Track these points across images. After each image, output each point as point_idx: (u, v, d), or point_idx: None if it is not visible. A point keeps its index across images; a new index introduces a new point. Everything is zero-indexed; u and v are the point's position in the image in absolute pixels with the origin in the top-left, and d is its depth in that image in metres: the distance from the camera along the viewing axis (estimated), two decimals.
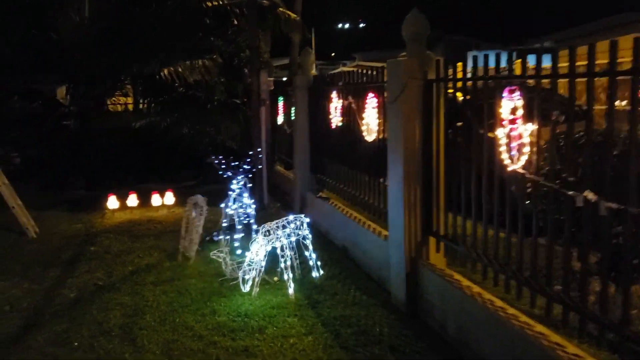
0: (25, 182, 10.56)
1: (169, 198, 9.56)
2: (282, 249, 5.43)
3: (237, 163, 7.06)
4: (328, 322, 4.87)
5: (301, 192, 8.70)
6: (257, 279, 5.37)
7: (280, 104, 10.67)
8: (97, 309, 5.27)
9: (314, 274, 5.82)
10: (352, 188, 6.97)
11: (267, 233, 5.40)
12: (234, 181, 6.82)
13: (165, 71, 12.32)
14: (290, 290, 5.39)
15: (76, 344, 4.60)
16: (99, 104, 12.68)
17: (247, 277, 5.33)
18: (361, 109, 6.33)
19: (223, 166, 7.03)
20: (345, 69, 27.26)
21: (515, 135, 3.70)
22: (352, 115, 6.77)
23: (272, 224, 5.45)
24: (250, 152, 12.11)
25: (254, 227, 6.92)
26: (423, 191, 4.93)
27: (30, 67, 11.57)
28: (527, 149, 3.67)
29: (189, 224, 6.62)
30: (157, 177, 12.56)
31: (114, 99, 13.40)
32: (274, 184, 10.99)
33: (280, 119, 10.82)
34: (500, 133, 3.87)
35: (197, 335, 4.67)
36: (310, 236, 5.79)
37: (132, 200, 9.52)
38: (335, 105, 7.26)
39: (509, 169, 3.81)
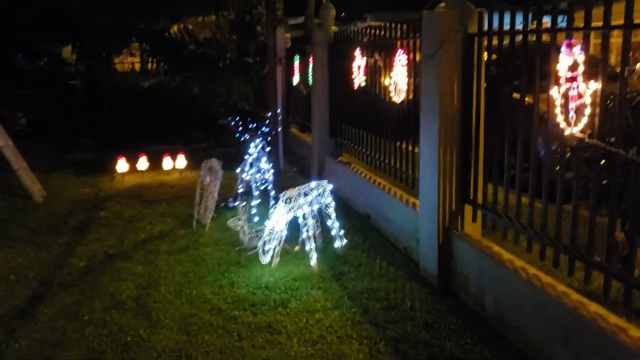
0: (31, 144, 10.23)
1: (181, 161, 9.20)
2: (304, 218, 5.08)
3: (255, 125, 6.64)
4: (354, 295, 4.54)
5: (319, 157, 8.31)
6: (277, 249, 5.03)
7: (296, 63, 10.19)
8: (108, 279, 4.96)
9: (337, 243, 5.48)
10: (377, 152, 6.57)
11: (288, 200, 5.03)
12: (252, 145, 6.41)
13: (175, 28, 11.86)
14: (313, 261, 5.05)
15: (87, 317, 4.30)
16: (107, 63, 12.24)
17: (267, 247, 4.99)
18: (389, 67, 5.88)
19: (240, 128, 6.59)
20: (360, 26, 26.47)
21: (573, 95, 3.27)
22: (378, 74, 6.32)
23: (293, 191, 5.08)
24: (265, 114, 11.69)
25: (272, 193, 6.56)
26: (460, 156, 4.53)
27: (35, 24, 11.12)
28: (588, 110, 3.24)
29: (204, 190, 6.27)
30: (167, 139, 12.18)
31: (121, 57, 12.93)
32: (289, 148, 10.59)
33: (295, 79, 10.34)
34: (555, 93, 3.44)
35: (215, 309, 4.36)
36: (333, 204, 5.42)
37: (143, 163, 9.17)
38: (359, 63, 6.80)
39: (566, 132, 3.39)
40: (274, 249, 5.01)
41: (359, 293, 4.58)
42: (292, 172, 9.19)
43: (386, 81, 5.93)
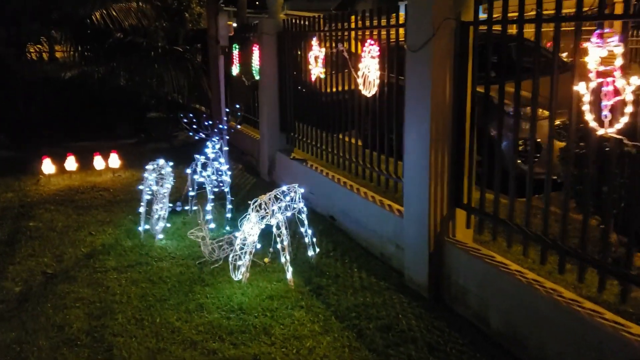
0: None
1: (114, 160, 8.37)
2: (277, 227, 4.56)
3: (210, 122, 6.01)
4: (342, 314, 4.09)
5: (270, 153, 7.77)
6: (248, 264, 4.49)
7: (235, 52, 9.54)
8: (52, 307, 4.25)
9: (310, 252, 5.00)
10: (340, 150, 6.13)
11: (259, 208, 4.50)
12: (208, 143, 5.78)
13: (97, 14, 10.86)
14: (289, 275, 4.55)
15: None
16: (22, 51, 11.05)
17: (239, 263, 4.43)
18: (356, 59, 5.43)
19: (194, 126, 5.95)
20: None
21: (608, 91, 2.94)
22: (342, 66, 5.86)
23: (264, 197, 4.55)
24: (201, 107, 10.98)
25: (229, 196, 5.97)
26: (452, 157, 4.16)
27: None
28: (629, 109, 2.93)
29: (155, 197, 5.59)
30: (92, 134, 11.23)
31: (39, 46, 11.74)
32: (230, 142, 9.94)
33: (235, 69, 9.69)
34: (582, 88, 3.11)
35: (187, 340, 3.78)
36: (305, 209, 4.93)
37: (71, 163, 8.26)
38: (317, 54, 6.30)
39: (599, 132, 3.07)
40: (245, 262, 4.47)
41: (346, 311, 4.13)
42: (238, 169, 8.60)
43: (354, 74, 5.47)
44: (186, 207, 6.30)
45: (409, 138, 4.36)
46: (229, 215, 5.94)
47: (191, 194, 6.17)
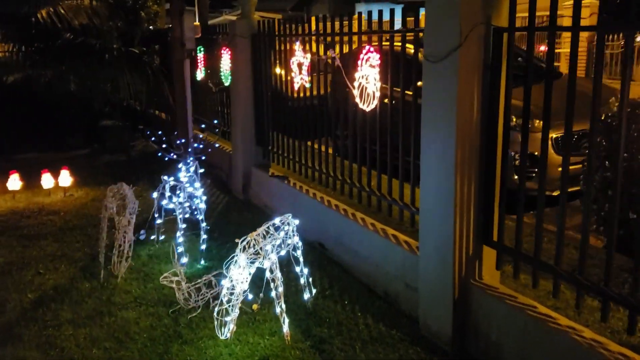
0: None
1: (65, 178, 7.41)
2: (271, 271, 3.80)
3: (182, 141, 5.19)
4: None
5: (244, 168, 6.98)
6: (235, 315, 3.72)
7: (201, 55, 8.69)
8: None
9: (306, 295, 4.26)
10: (331, 169, 5.41)
11: (247, 247, 3.74)
12: (181, 165, 4.96)
13: (44, 12, 9.80)
14: (285, 328, 3.81)
15: None
16: None
17: (227, 318, 3.65)
18: (352, 67, 4.72)
19: (163, 145, 5.12)
20: (230, 17, 25.09)
21: None
22: (333, 75, 5.15)
23: (254, 234, 3.79)
24: (161, 113, 10.07)
25: (203, 225, 5.16)
26: (481, 185, 3.51)
27: None
28: None
29: (116, 228, 4.74)
30: (39, 145, 10.20)
31: None
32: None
33: (200, 74, 8.84)
34: None
35: None
36: (300, 244, 4.19)
37: (14, 181, 7.28)
38: (301, 60, 5.56)
39: None
40: (233, 316, 3.69)
41: None
42: (206, 184, 7.76)
43: (349, 84, 4.76)
44: (152, 237, 5.46)
45: (427, 162, 3.67)
46: (203, 247, 5.15)
47: (158, 221, 5.35)
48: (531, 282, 3.37)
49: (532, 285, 3.38)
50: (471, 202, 3.50)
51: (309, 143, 5.97)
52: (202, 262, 5.03)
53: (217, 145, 8.25)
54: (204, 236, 5.13)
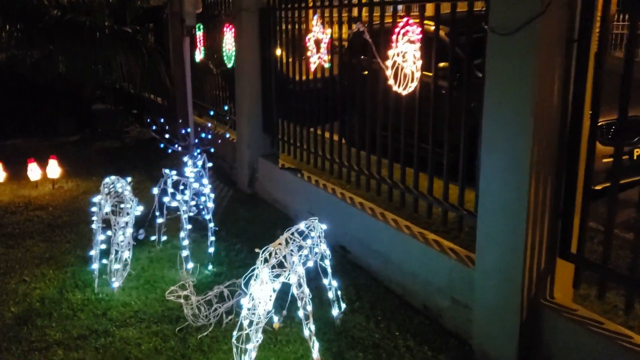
0: None
1: (53, 168, 6.74)
2: (299, 286, 3.20)
3: (185, 130, 4.55)
4: None
5: (250, 159, 6.34)
6: (258, 342, 3.11)
7: (200, 33, 8.00)
8: None
9: (335, 311, 3.66)
10: (355, 162, 4.80)
11: (268, 259, 3.12)
12: (188, 160, 4.32)
13: None
14: (315, 354, 3.21)
15: None
16: None
17: (249, 345, 3.04)
18: (384, 43, 4.09)
19: (166, 135, 4.48)
20: None
21: None
22: (357, 53, 4.52)
23: (278, 244, 3.16)
24: (157, 97, 9.42)
25: (211, 225, 4.55)
26: (558, 188, 2.90)
27: None
28: None
29: (113, 231, 4.11)
30: (25, 131, 9.52)
31: None
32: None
33: (199, 55, 8.16)
34: None
35: None
36: (329, 253, 3.58)
37: None
38: (319, 36, 4.92)
39: None
40: (256, 343, 3.09)
41: None
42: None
43: (381, 64, 4.13)
44: (152, 237, 4.84)
45: (490, 158, 3.06)
46: (211, 250, 4.54)
47: (159, 220, 4.72)
48: (624, 304, 2.79)
49: (625, 310, 2.79)
50: (546, 208, 2.90)
51: (325, 133, 5.37)
52: (210, 267, 4.42)
53: (217, 132, 7.60)
54: (212, 238, 4.52)
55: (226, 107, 7.12)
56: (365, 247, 4.43)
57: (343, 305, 3.73)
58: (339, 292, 3.72)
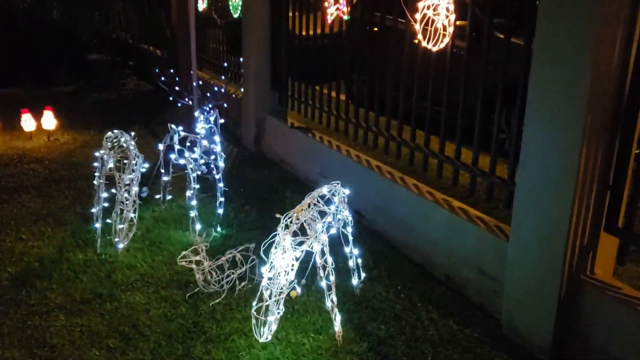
0: None
1: (48, 119, 6.42)
2: (322, 254, 2.98)
3: (200, 83, 4.25)
4: None
5: (257, 117, 6.06)
6: (279, 314, 2.91)
7: None
8: None
9: (354, 280, 3.46)
10: (373, 124, 4.54)
11: (290, 225, 2.88)
12: (199, 115, 4.04)
13: None
14: (337, 326, 3.02)
15: None
16: None
17: (271, 318, 2.84)
18: None
19: (177, 88, 4.17)
20: None
21: None
22: (382, 7, 4.22)
23: (300, 209, 2.92)
24: (156, 50, 9.06)
25: (220, 185, 4.30)
26: (609, 157, 2.67)
27: None
28: None
29: (117, 188, 3.85)
30: (18, 80, 9.13)
31: None
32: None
33: (201, 4, 7.77)
34: None
35: None
36: (351, 219, 3.35)
37: None
38: None
39: None
40: (277, 315, 2.88)
41: None
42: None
43: (410, 17, 3.83)
44: (157, 196, 4.60)
45: (535, 123, 2.81)
46: (220, 211, 4.30)
47: (165, 178, 4.47)
48: None
49: None
50: (595, 178, 2.67)
51: (340, 95, 5.10)
52: (219, 229, 4.20)
53: (220, 87, 7.30)
54: (222, 199, 4.28)
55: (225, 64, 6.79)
56: (383, 213, 4.22)
57: (363, 275, 3.52)
58: (359, 261, 3.51)
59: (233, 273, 3.36)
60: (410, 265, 3.84)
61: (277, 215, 2.87)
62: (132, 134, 4.13)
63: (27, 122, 6.33)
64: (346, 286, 3.44)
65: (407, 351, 2.96)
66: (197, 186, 4.18)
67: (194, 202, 4.07)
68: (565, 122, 2.62)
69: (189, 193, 4.17)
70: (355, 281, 3.44)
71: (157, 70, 4.76)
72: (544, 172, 2.77)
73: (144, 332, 3.02)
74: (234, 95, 6.62)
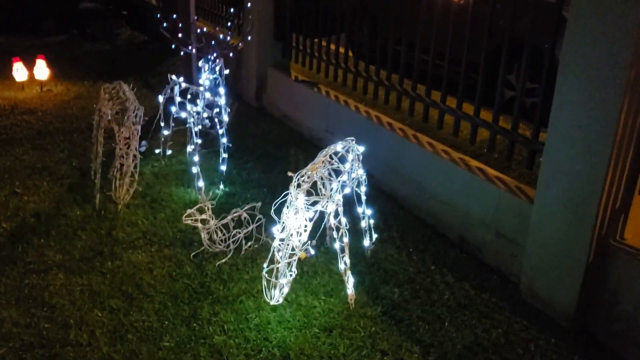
0: None
1: (41, 69, 6.15)
2: (336, 214, 2.82)
3: (204, 30, 4.00)
4: None
5: (259, 69, 5.82)
6: (292, 277, 2.76)
7: None
8: None
9: (366, 242, 3.31)
10: (387, 79, 4.33)
11: (301, 184, 2.71)
12: (204, 65, 3.81)
13: None
14: (350, 289, 2.88)
15: None
16: None
17: (283, 280, 2.69)
18: None
19: (178, 34, 3.94)
20: None
21: None
22: None
23: (314, 168, 2.75)
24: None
25: (224, 140, 4.11)
26: None
27: None
28: None
29: (117, 142, 3.65)
30: (6, 29, 8.76)
31: None
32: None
33: None
34: None
35: None
36: (365, 178, 3.18)
37: None
38: None
39: None
40: (289, 278, 2.73)
41: None
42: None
43: None
44: (156, 150, 4.41)
45: (568, 80, 2.62)
46: (223, 168, 4.12)
47: (165, 132, 4.27)
48: None
49: None
50: (633, 138, 2.50)
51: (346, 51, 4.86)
52: (222, 186, 4.03)
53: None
54: (225, 155, 4.10)
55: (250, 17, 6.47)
56: (393, 172, 4.05)
57: (375, 236, 3.38)
58: (371, 222, 3.36)
59: (239, 232, 3.21)
60: (421, 226, 3.70)
61: (290, 174, 2.69)
62: (131, 85, 3.92)
63: (19, 71, 6.06)
64: (357, 247, 3.29)
65: (423, 316, 2.84)
66: (200, 141, 3.99)
67: (196, 158, 3.88)
68: (604, 77, 2.44)
69: (190, 148, 3.99)
70: (366, 242, 3.30)
71: (158, 16, 4.47)
72: (577, 131, 2.60)
73: (148, 293, 2.88)
74: (233, 46, 6.34)
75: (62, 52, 7.88)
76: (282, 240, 2.65)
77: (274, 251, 2.66)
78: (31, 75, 6.12)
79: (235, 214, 3.25)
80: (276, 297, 2.71)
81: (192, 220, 3.05)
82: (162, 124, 4.24)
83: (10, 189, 3.91)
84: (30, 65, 6.12)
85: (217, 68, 3.80)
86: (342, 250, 2.84)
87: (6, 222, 3.50)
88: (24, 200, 3.77)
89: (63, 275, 3.00)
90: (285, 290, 2.71)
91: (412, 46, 3.96)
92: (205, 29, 5.08)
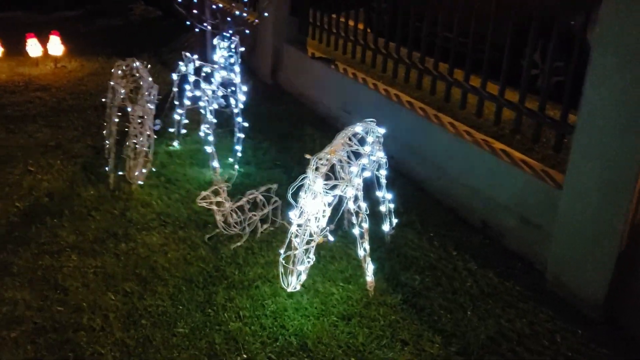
0: None
1: (55, 45, 6.07)
2: (355, 199, 2.72)
3: (220, 6, 3.88)
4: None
5: (275, 45, 5.68)
6: (310, 264, 2.68)
7: None
8: None
9: (386, 226, 3.21)
10: (407, 57, 4.19)
11: (321, 168, 2.61)
12: (219, 42, 3.70)
13: None
14: (369, 277, 2.80)
15: None
16: None
17: (301, 267, 2.61)
18: None
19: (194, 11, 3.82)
20: None
21: None
22: None
23: (333, 150, 2.64)
24: None
25: (238, 120, 4.01)
26: None
27: None
28: None
29: (130, 120, 3.57)
30: (20, 4, 8.69)
31: None
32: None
33: None
34: None
35: None
36: (385, 161, 3.07)
37: None
38: None
39: None
40: (307, 265, 2.65)
41: (481, 352, 2.46)
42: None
43: None
44: (170, 129, 4.32)
45: (605, 53, 2.47)
46: (239, 148, 4.03)
47: (179, 111, 4.18)
48: None
49: None
50: None
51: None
52: (237, 167, 3.94)
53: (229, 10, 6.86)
54: (240, 135, 4.00)
55: None
56: (413, 153, 3.94)
57: (394, 221, 3.28)
58: (391, 206, 3.26)
59: (255, 215, 3.12)
60: (443, 210, 3.60)
61: (307, 156, 2.59)
62: (145, 63, 3.82)
63: (33, 47, 5.99)
64: (376, 232, 3.19)
65: (445, 304, 2.75)
66: (215, 120, 3.90)
67: (210, 138, 3.79)
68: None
69: (204, 127, 3.89)
70: (386, 227, 3.20)
71: None
72: (612, 111, 2.46)
73: (162, 276, 2.82)
74: (249, 22, 6.21)
75: (75, 28, 7.80)
76: (299, 225, 2.56)
77: (291, 237, 2.57)
78: (45, 51, 6.05)
79: (250, 196, 3.17)
80: (293, 284, 2.63)
81: (207, 203, 2.97)
82: (177, 103, 4.14)
83: (23, 167, 3.86)
84: (44, 41, 6.04)
85: (233, 45, 3.69)
86: (362, 236, 2.74)
87: (20, 201, 3.45)
88: (37, 179, 3.71)
89: (76, 257, 2.95)
90: (304, 277, 2.63)
91: (434, 23, 3.81)
92: (220, 5, 4.95)
